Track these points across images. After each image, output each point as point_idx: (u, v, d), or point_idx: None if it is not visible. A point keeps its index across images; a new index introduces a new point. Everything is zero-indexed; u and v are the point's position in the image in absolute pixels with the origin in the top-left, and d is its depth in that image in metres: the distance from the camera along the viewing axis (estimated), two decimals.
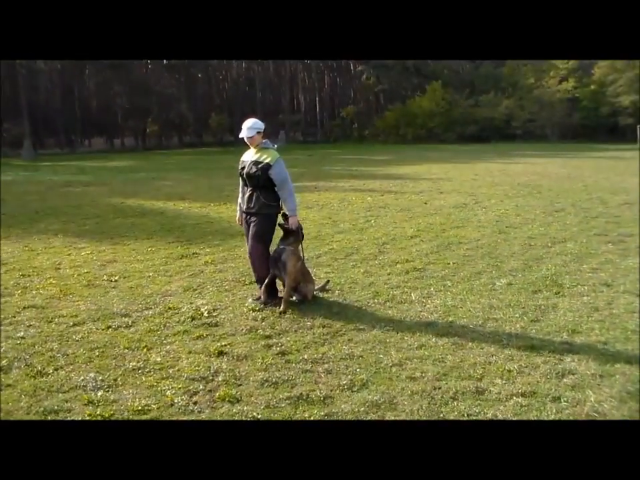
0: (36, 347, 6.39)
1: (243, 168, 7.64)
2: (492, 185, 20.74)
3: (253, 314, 7.23)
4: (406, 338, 6.39)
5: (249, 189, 7.63)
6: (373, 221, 13.77)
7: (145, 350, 6.22)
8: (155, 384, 5.42)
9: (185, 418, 4.80)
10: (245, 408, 4.93)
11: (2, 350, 6.32)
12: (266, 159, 7.47)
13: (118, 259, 10.47)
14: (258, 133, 7.57)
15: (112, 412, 4.90)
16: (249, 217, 7.66)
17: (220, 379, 5.49)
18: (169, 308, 7.47)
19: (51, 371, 5.75)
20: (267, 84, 78.96)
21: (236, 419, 4.77)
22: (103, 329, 6.81)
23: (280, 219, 7.68)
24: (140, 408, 4.95)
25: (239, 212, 8.02)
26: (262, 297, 7.63)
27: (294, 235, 7.62)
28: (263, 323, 6.93)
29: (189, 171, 31.63)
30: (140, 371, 5.71)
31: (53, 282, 8.96)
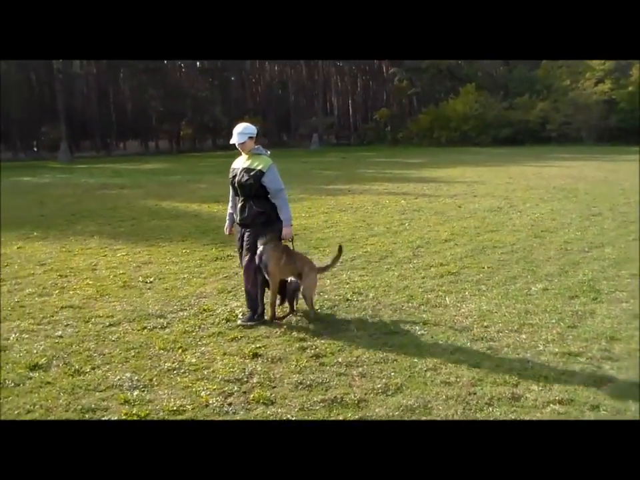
0: (73, 346, 6.49)
1: (234, 176, 7.20)
2: (527, 188, 20.54)
3: (287, 317, 7.23)
4: (440, 342, 6.36)
5: (240, 199, 7.19)
6: (407, 224, 13.72)
7: (180, 351, 6.27)
8: (190, 385, 5.46)
9: (220, 419, 4.83)
10: (279, 410, 4.95)
11: (42, 348, 6.42)
12: (258, 165, 7.03)
13: (153, 260, 10.58)
14: (250, 138, 7.11)
15: (148, 411, 4.95)
16: (242, 229, 7.23)
17: (254, 381, 5.52)
18: (204, 310, 7.52)
19: (88, 370, 5.84)
20: (300, 87, 79.10)
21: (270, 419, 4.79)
22: (138, 330, 6.87)
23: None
24: (175, 408, 5.00)
25: (228, 222, 7.60)
26: (265, 311, 7.25)
27: (270, 231, 7.06)
28: (298, 326, 6.94)
29: (223, 174, 31.57)
30: (175, 372, 5.76)
31: (90, 282, 9.07)
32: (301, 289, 7.23)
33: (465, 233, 12.49)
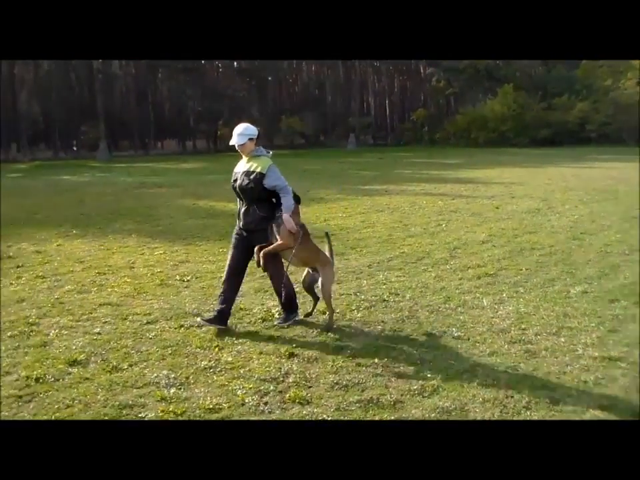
0: (111, 343, 6.56)
1: (235, 180, 6.92)
2: (565, 189, 20.29)
3: (324, 317, 7.22)
4: (477, 344, 6.31)
5: (244, 204, 6.92)
6: (444, 225, 13.64)
7: (216, 350, 6.30)
8: (226, 383, 5.48)
9: (255, 418, 4.84)
10: (315, 410, 4.94)
11: (80, 344, 6.51)
12: (257, 168, 6.74)
13: (190, 259, 10.65)
14: (250, 139, 6.80)
15: (184, 409, 4.98)
16: (247, 233, 6.95)
17: (290, 380, 5.52)
18: (240, 309, 7.53)
19: (126, 367, 5.90)
20: (337, 87, 79.06)
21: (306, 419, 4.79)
22: (175, 328, 6.92)
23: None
24: (211, 406, 5.02)
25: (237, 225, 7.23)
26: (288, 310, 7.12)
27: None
28: (334, 326, 6.93)
29: None
30: (211, 370, 5.78)
31: (128, 280, 9.16)
32: (319, 283, 7.01)
33: (502, 234, 12.37)
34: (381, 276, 9.07)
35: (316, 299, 7.24)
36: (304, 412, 4.92)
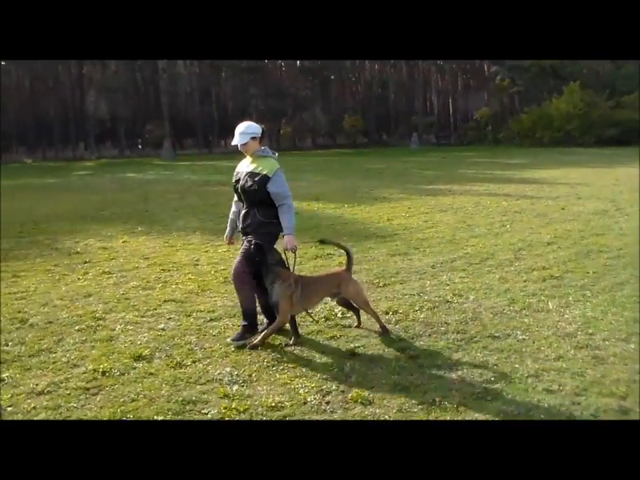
0: (175, 339, 6.66)
1: (238, 181, 6.59)
2: (634, 190, 19.74)
3: (387, 317, 7.19)
4: (543, 348, 6.18)
5: (244, 206, 6.62)
6: (508, 226, 13.42)
7: (278, 347, 6.32)
8: (289, 382, 5.50)
9: (318, 417, 4.84)
10: (377, 411, 4.92)
11: (145, 340, 6.62)
12: (263, 170, 6.41)
13: None
14: (253, 138, 6.47)
15: (247, 406, 5.02)
16: (245, 236, 6.65)
17: (352, 380, 5.51)
18: None
19: (189, 363, 5.98)
20: (400, 86, 78.70)
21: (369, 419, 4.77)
22: (238, 326, 6.95)
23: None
24: (273, 404, 5.05)
25: (228, 229, 7.07)
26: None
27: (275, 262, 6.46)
28: (397, 327, 6.89)
29: (323, 172, 31.93)
30: (274, 368, 5.82)
31: (192, 277, 9.29)
32: (352, 301, 6.80)
33: (568, 235, 12.11)
34: (444, 277, 8.98)
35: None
36: (366, 412, 4.91)
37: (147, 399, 5.22)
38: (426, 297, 7.95)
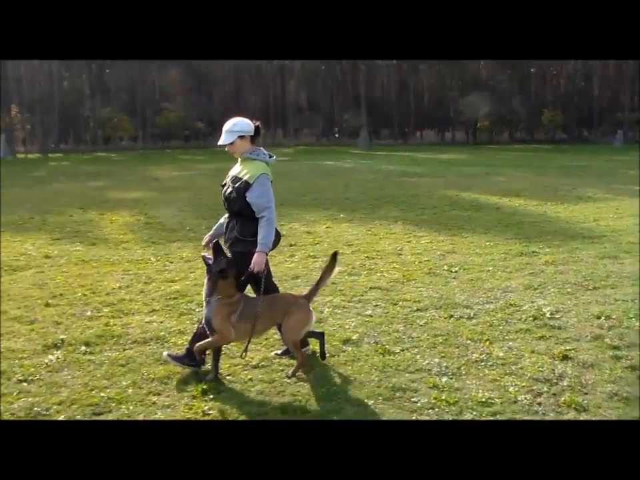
0: (383, 326, 6.80)
1: (224, 185, 5.78)
2: None
3: (598, 321, 6.88)
4: None
5: (228, 215, 5.80)
6: None
7: (487, 343, 6.27)
8: (498, 378, 5.45)
9: (529, 418, 4.76)
10: (593, 419, 4.74)
11: (353, 325, 6.80)
12: (245, 175, 5.54)
13: (456, 250, 10.69)
14: (240, 137, 5.56)
15: (456, 399, 5.03)
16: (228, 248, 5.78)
17: (564, 384, 5.35)
18: (510, 304, 7.43)
19: (398, 351, 6.08)
20: (605, 80, 74.68)
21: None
22: (445, 318, 6.99)
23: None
24: (484, 400, 5.03)
25: (211, 232, 6.01)
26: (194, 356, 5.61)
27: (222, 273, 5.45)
28: (610, 332, 6.57)
29: (522, 168, 30.96)
30: (482, 364, 5.78)
31: (396, 266, 9.42)
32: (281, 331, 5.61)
33: None
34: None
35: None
36: (580, 418, 4.75)
37: (358, 382, 5.39)
38: None
